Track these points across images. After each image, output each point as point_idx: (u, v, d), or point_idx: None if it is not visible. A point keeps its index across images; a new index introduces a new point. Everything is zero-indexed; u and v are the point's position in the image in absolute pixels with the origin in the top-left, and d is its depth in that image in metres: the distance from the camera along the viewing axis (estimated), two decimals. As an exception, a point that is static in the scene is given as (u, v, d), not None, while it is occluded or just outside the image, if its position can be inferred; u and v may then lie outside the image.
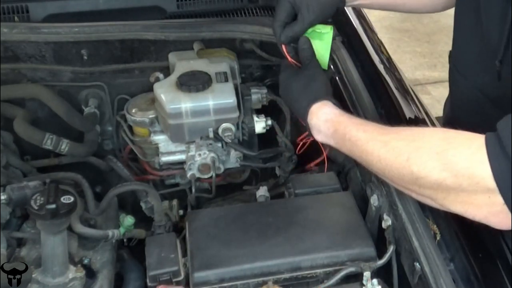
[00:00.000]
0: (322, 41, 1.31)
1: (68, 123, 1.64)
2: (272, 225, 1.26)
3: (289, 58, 1.31)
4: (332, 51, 1.67)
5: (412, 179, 1.00)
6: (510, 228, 0.94)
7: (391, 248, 1.17)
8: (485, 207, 0.92)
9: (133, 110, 1.66)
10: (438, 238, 1.13)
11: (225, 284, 1.17)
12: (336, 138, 1.18)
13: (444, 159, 0.94)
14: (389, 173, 1.05)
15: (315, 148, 1.48)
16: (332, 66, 1.66)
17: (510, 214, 0.89)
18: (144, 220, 1.53)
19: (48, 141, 1.57)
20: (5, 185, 1.34)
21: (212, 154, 1.55)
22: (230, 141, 1.57)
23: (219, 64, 1.65)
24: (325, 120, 1.19)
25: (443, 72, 4.19)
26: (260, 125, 1.63)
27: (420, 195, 1.04)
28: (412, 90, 1.61)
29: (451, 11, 1.33)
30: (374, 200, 1.26)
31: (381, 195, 1.25)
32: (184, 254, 1.26)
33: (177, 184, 1.74)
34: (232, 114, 1.57)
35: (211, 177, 1.58)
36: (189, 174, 1.58)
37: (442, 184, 0.94)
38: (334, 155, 1.54)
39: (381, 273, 1.19)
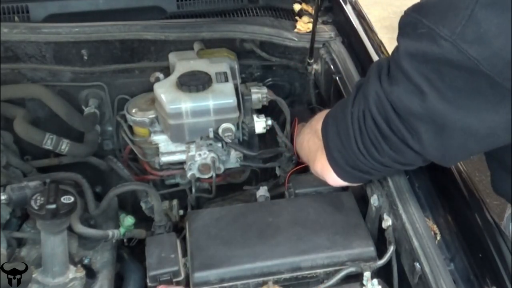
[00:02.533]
0: None
1: (68, 123, 1.64)
2: (272, 225, 1.26)
3: None
4: (333, 51, 1.69)
5: (302, 148, 1.37)
6: (335, 185, 1.23)
7: (391, 248, 1.17)
8: (319, 163, 1.21)
9: (133, 110, 1.66)
10: (438, 238, 1.13)
11: (225, 284, 1.17)
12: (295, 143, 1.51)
13: (311, 124, 1.35)
14: (301, 154, 1.42)
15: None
16: (332, 66, 1.66)
17: (330, 168, 1.17)
18: (144, 220, 1.53)
19: (48, 141, 1.57)
20: (5, 185, 1.34)
21: (212, 154, 1.55)
22: (230, 141, 1.57)
23: (219, 64, 1.65)
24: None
25: (443, 72, 4.16)
26: (260, 125, 1.63)
27: (312, 166, 1.29)
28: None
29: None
30: (374, 200, 1.26)
31: (381, 195, 1.24)
32: (184, 254, 1.26)
33: (177, 184, 1.74)
34: (232, 114, 1.57)
35: (211, 177, 1.58)
36: (189, 174, 1.57)
37: (310, 142, 1.29)
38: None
39: (381, 273, 1.19)
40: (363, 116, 1.05)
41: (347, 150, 1.10)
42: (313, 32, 1.67)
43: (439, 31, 0.89)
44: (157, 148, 1.65)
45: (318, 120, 1.24)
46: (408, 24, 0.96)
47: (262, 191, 1.53)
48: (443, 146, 0.98)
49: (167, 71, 1.69)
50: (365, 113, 1.04)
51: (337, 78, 1.62)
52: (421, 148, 1.00)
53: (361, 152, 1.08)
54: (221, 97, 1.55)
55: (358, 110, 1.06)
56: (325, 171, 1.20)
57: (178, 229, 1.50)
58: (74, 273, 1.22)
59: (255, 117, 1.64)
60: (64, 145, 1.59)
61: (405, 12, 0.98)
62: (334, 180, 1.20)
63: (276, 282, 1.17)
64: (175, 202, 1.58)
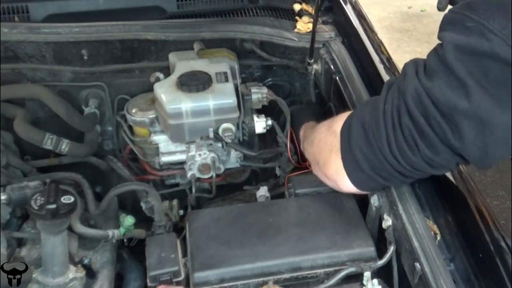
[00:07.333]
0: None
1: (68, 123, 1.64)
2: (272, 225, 1.26)
3: None
4: (333, 51, 1.69)
5: (312, 146, 1.30)
6: (346, 191, 1.20)
7: (391, 248, 1.17)
8: (333, 165, 1.17)
9: (133, 110, 1.66)
10: (438, 238, 1.13)
11: (225, 284, 1.16)
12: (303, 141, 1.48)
13: (328, 124, 1.25)
14: (308, 152, 1.34)
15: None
16: (332, 66, 1.66)
17: (344, 172, 1.14)
18: (144, 220, 1.53)
19: (48, 141, 1.57)
20: (5, 185, 1.34)
21: (212, 154, 1.55)
22: (230, 141, 1.57)
23: (219, 64, 1.65)
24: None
25: (443, 72, 4.16)
26: (260, 125, 1.63)
27: (319, 170, 1.26)
28: (412, 90, 1.61)
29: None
30: (374, 200, 1.26)
31: (381, 195, 1.24)
32: (184, 254, 1.26)
33: (177, 184, 1.74)
34: (232, 114, 1.57)
35: (211, 177, 1.58)
36: (189, 174, 1.58)
37: (322, 142, 1.23)
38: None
39: (381, 273, 1.19)
40: (397, 112, 1.00)
41: (375, 151, 1.05)
42: (313, 32, 1.67)
43: (489, 25, 0.87)
44: (157, 148, 1.65)
45: (337, 121, 1.19)
46: (454, 19, 0.95)
47: (262, 191, 1.53)
48: (484, 143, 0.94)
49: (167, 71, 1.69)
50: (401, 109, 0.99)
51: (337, 78, 1.62)
52: (461, 144, 0.95)
53: (391, 152, 1.02)
54: (221, 97, 1.55)
55: (391, 107, 1.01)
56: (340, 175, 1.15)
57: (178, 229, 1.50)
58: (74, 273, 1.22)
59: (255, 117, 1.64)
60: (64, 145, 1.59)
61: (450, 10, 0.97)
62: (348, 186, 1.16)
63: (276, 282, 1.17)
64: (175, 202, 1.58)
